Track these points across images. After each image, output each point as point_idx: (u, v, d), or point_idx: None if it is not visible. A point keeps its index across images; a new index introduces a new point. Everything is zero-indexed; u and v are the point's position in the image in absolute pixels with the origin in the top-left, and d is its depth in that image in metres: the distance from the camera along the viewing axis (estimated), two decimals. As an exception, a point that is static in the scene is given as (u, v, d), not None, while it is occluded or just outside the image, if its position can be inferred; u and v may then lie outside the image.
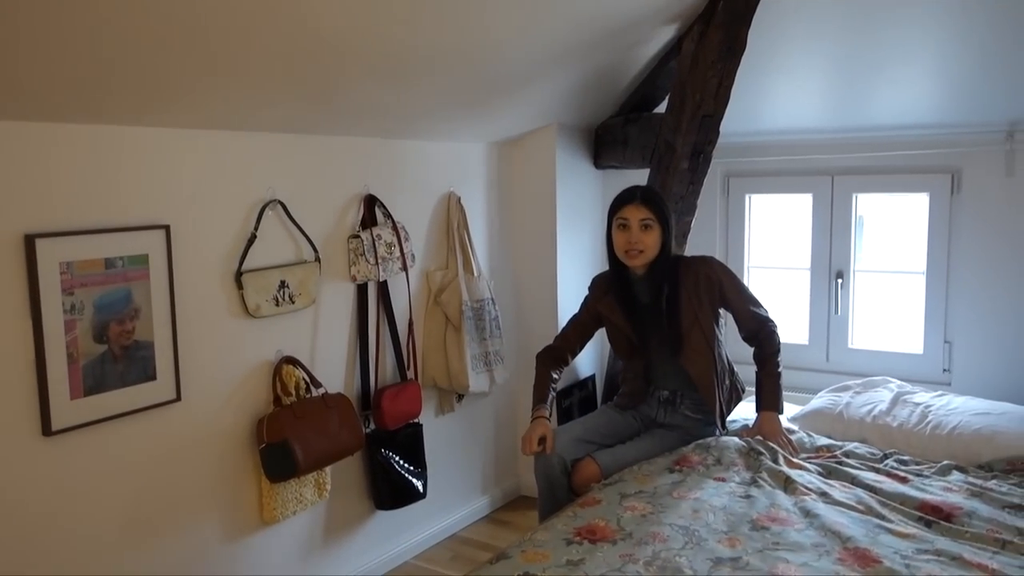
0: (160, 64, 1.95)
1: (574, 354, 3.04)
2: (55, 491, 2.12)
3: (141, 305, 2.26)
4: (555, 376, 2.96)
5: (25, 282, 2.01)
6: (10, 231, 1.98)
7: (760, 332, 2.83)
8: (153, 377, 2.31)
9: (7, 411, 2.01)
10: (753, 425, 2.83)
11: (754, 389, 2.88)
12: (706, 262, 2.83)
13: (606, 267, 2.96)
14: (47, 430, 2.07)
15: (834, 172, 3.65)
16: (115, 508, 2.26)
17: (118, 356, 2.22)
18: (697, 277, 2.76)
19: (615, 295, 2.85)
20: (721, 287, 2.78)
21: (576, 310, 3.05)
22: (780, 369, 2.83)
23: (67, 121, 2.07)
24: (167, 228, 2.32)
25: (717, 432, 2.84)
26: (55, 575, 2.13)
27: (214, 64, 2.05)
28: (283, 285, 2.64)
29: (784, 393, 2.86)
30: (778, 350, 2.83)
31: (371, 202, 2.98)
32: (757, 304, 2.85)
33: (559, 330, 3.69)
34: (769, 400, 2.81)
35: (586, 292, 3.04)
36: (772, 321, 2.85)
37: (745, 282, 3.89)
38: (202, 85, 2.15)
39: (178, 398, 2.38)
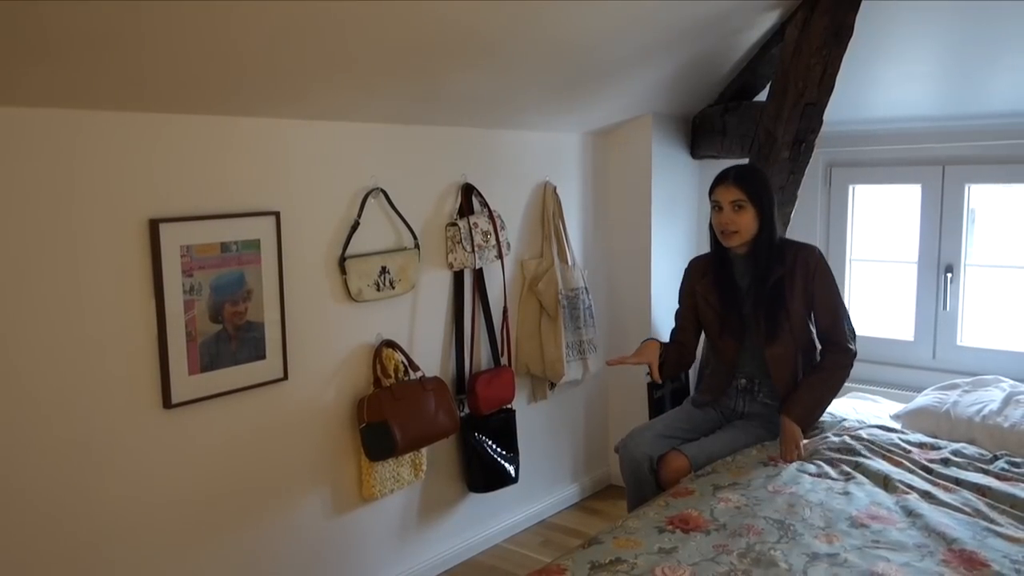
0: (278, 60, 2.04)
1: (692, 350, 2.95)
2: (173, 459, 2.27)
3: (253, 288, 2.38)
4: (673, 364, 2.90)
5: (150, 264, 2.15)
6: (136, 216, 2.12)
7: (835, 348, 2.68)
8: (263, 356, 2.43)
9: (134, 384, 2.16)
10: (781, 439, 2.64)
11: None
12: (809, 249, 2.72)
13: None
14: (167, 403, 2.21)
15: (945, 162, 3.50)
16: (227, 477, 2.40)
17: (232, 336, 2.34)
18: (795, 261, 2.67)
19: (714, 276, 2.79)
20: (814, 277, 2.67)
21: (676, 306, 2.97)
22: (833, 393, 2.70)
23: (187, 112, 2.20)
24: (277, 215, 2.43)
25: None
26: (171, 536, 2.28)
27: (330, 59, 2.14)
28: (384, 271, 2.73)
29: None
30: (845, 377, 2.69)
31: (468, 191, 3.04)
32: (844, 318, 2.70)
33: (652, 320, 3.69)
34: (799, 410, 2.63)
35: (680, 281, 2.97)
36: (853, 350, 2.69)
37: (846, 277, 3.78)
38: (318, 79, 2.24)
39: (285, 377, 2.50)
